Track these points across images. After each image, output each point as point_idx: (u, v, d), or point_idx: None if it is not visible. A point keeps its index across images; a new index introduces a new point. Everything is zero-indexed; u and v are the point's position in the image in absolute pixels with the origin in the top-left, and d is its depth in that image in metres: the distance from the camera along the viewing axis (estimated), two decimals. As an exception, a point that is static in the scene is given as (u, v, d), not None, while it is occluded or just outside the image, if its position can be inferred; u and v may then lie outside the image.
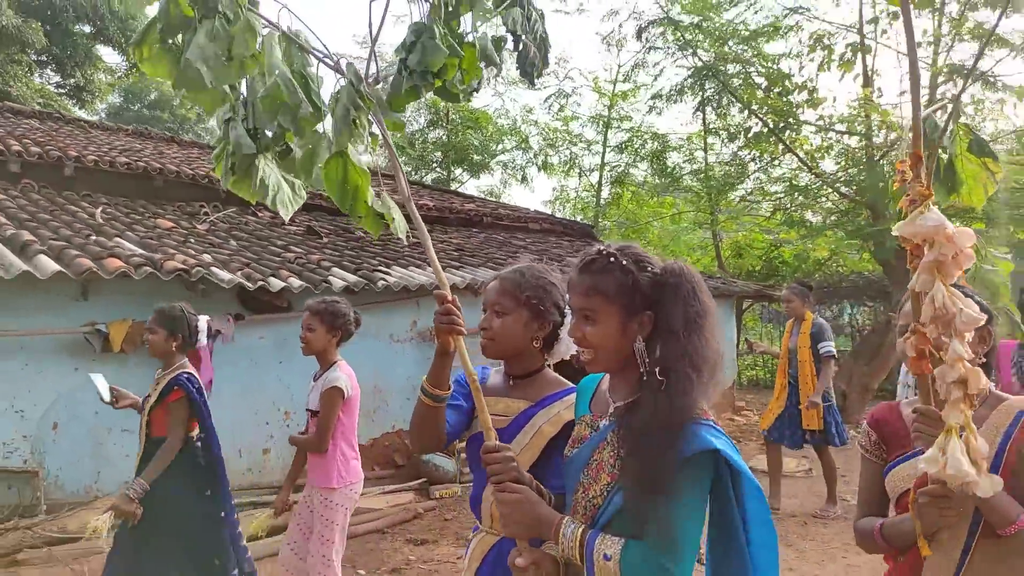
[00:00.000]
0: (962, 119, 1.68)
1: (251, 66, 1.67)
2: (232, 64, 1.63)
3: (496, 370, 2.16)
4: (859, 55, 11.42)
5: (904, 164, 1.57)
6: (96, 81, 20.46)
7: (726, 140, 14.66)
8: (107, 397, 3.59)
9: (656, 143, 16.22)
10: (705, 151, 15.74)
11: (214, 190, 8.58)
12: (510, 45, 2.23)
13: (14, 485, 5.12)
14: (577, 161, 19.25)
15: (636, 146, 16.78)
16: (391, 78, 1.78)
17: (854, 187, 11.15)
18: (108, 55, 21.52)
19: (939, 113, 1.87)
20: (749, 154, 14.17)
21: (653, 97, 14.67)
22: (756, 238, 15.45)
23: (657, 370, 1.55)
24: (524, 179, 19.94)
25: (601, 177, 18.51)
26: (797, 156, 12.07)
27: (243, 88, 1.81)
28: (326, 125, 1.81)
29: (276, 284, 5.84)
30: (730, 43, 12.65)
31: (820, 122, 12.17)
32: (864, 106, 10.79)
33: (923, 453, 1.55)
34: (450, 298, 1.83)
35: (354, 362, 3.72)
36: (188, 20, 1.63)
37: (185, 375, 3.44)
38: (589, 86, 18.10)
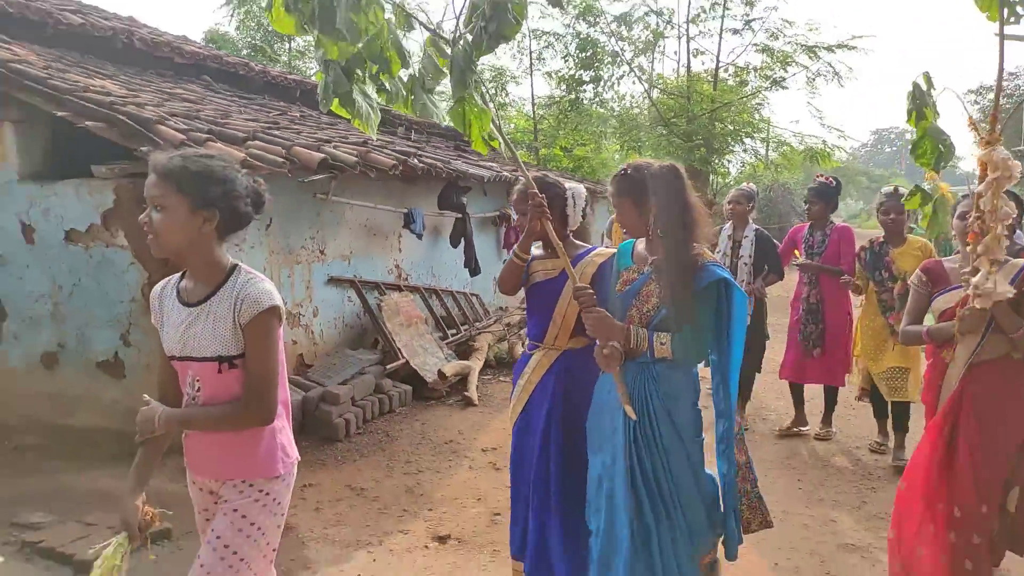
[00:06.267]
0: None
1: (372, 28, 2.18)
2: (360, 27, 2.13)
3: (536, 246, 3.12)
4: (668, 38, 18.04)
5: (972, 122, 2.51)
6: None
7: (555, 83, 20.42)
8: None
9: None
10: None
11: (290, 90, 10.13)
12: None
13: (462, 304, 8.44)
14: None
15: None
16: (471, 36, 2.25)
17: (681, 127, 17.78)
18: None
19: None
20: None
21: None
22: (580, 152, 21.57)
23: (661, 231, 2.56)
24: None
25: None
26: (650, 98, 18.26)
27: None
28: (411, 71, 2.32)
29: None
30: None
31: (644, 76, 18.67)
32: (690, 79, 17.63)
33: (956, 290, 2.97)
34: (539, 195, 2.82)
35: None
36: None
37: None
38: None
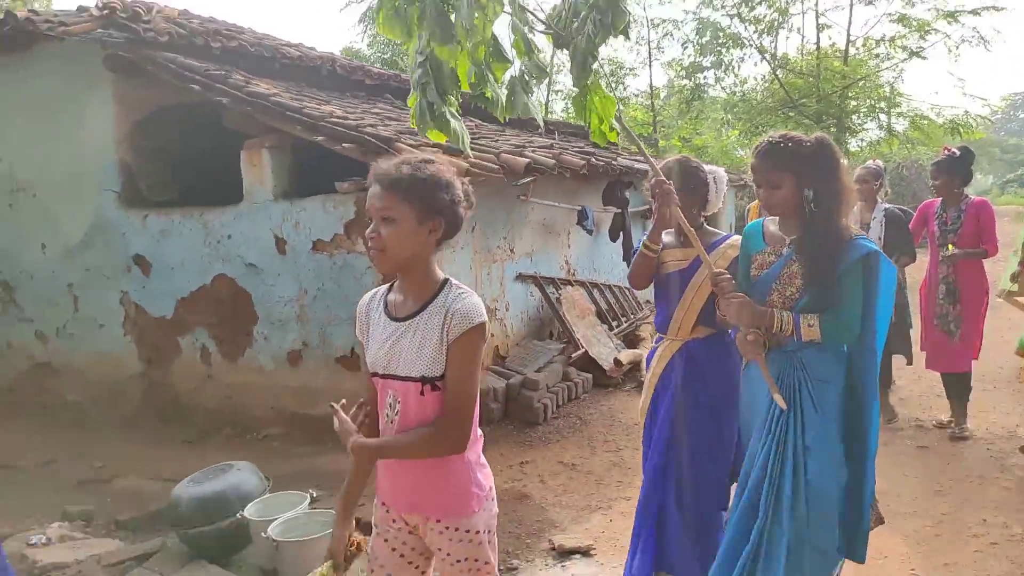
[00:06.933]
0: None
1: (489, 28, 2.22)
2: (479, 26, 2.17)
3: (667, 232, 2.94)
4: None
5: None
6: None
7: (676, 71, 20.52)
8: None
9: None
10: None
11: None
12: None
13: (619, 296, 9.21)
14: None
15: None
16: (583, 27, 2.27)
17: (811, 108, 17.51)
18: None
19: None
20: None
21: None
22: (699, 141, 21.63)
23: (813, 209, 2.38)
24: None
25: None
26: (778, 79, 18.15)
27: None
28: (513, 71, 2.38)
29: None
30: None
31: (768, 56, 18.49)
32: (819, 57, 17.30)
33: None
34: (667, 183, 2.68)
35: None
36: None
37: None
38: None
